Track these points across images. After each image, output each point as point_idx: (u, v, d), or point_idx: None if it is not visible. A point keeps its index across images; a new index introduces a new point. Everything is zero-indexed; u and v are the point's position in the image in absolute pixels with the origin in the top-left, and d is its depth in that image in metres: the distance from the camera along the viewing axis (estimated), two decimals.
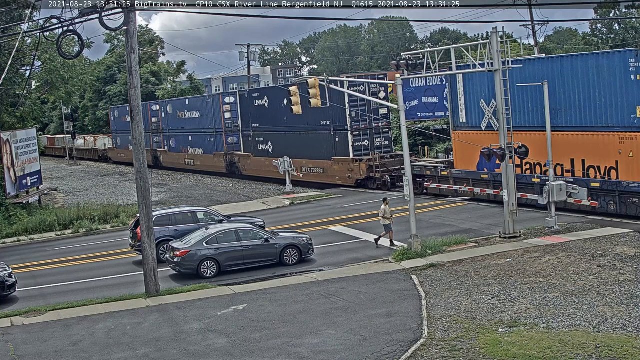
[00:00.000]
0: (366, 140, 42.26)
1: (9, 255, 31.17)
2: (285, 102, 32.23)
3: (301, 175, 45.27)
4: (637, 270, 19.98)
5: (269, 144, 49.53)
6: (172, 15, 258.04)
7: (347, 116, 41.69)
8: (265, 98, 49.40)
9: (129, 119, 75.20)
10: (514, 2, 50.70)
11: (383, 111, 42.73)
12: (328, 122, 43.31)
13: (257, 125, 50.81)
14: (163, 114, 66.18)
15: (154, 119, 67.98)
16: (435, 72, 27.73)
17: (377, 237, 26.78)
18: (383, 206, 26.43)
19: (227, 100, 55.82)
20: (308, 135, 43.20)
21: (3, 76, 28.41)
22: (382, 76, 48.13)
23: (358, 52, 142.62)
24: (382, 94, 42.35)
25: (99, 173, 69.22)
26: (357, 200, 38.48)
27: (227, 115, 55.17)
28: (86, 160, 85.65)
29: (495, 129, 28.58)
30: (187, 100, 63.84)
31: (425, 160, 40.49)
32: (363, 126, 41.66)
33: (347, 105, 40.78)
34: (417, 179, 36.00)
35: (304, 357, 15.59)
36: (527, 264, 21.83)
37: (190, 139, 61.44)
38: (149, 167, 67.49)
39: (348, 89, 36.16)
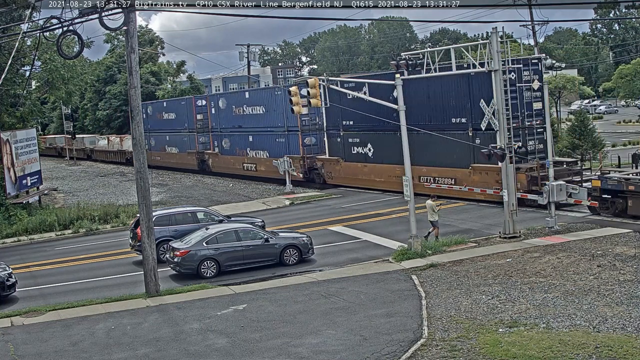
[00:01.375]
0: (518, 142, 30.41)
1: (9, 255, 31.16)
2: (395, 93, 25.97)
3: (429, 186, 33.93)
4: (637, 270, 19.98)
5: (368, 146, 40.62)
6: (171, 15, 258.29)
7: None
8: (365, 89, 35.49)
9: (166, 115, 63.57)
10: (514, 2, 50.67)
11: (537, 106, 32.51)
12: (464, 120, 33.99)
13: (350, 122, 41.49)
14: (213, 109, 57.19)
15: (199, 116, 59.29)
16: (435, 72, 27.73)
17: (427, 233, 26.41)
18: (430, 201, 26.41)
19: (304, 93, 47.78)
20: (430, 136, 32.51)
21: (3, 76, 28.41)
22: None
23: (358, 52, 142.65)
24: (536, 84, 32.24)
25: (99, 173, 69.18)
26: (357, 200, 38.48)
27: (305, 110, 48.17)
28: (109, 164, 78.37)
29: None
30: (247, 94, 54.68)
31: (619, 171, 30.30)
32: (514, 125, 28.63)
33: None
34: (614, 196, 27.81)
35: (304, 357, 15.59)
36: (527, 264, 21.83)
37: (250, 139, 52.07)
38: (194, 172, 58.32)
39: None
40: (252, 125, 51.63)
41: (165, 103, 69.40)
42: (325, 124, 44.42)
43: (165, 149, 66.62)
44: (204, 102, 59.48)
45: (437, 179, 35.44)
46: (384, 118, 30.50)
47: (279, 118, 48.03)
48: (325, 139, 44.62)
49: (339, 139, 42.46)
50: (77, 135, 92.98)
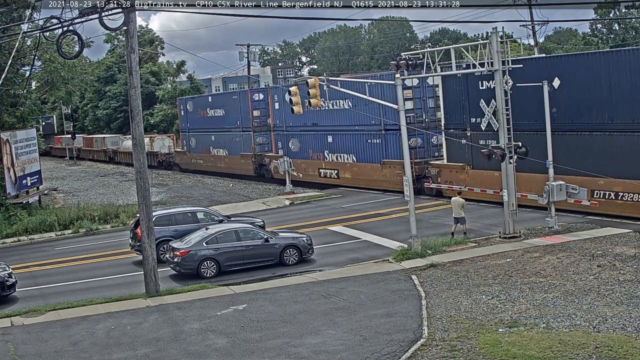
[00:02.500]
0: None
1: (9, 255, 31.16)
2: (558, 82, 22.34)
3: (594, 202, 27.17)
4: (637, 270, 19.98)
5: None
6: (170, 15, 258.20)
7: None
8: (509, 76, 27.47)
9: (212, 112, 57.02)
10: (514, 2, 50.71)
11: None
12: None
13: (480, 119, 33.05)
14: (276, 104, 48.62)
15: (255, 113, 51.45)
16: (435, 72, 27.73)
17: (452, 231, 26.68)
18: (458, 198, 26.59)
19: (407, 83, 34.65)
20: (612, 137, 26.48)
21: (3, 76, 28.40)
22: None
23: (358, 52, 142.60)
24: None
25: (98, 173, 69.19)
26: (357, 200, 38.49)
27: (409, 104, 36.20)
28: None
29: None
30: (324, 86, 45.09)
31: None
32: None
33: None
34: None
35: (304, 357, 15.59)
36: (527, 264, 21.83)
37: (329, 139, 43.99)
38: (250, 178, 53.15)
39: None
40: (331, 123, 43.82)
41: (210, 98, 61.54)
42: (443, 121, 35.89)
43: (210, 151, 58.36)
44: (261, 96, 51.27)
45: (620, 194, 26.93)
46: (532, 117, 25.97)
47: (374, 114, 38.30)
48: (443, 139, 35.89)
49: (463, 141, 31.56)
50: (95, 135, 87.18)
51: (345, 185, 42.66)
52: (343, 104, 42.33)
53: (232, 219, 29.41)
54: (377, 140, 40.08)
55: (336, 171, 43.84)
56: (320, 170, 45.11)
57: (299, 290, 21.24)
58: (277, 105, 48.60)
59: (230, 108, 54.98)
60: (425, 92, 38.25)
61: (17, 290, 23.57)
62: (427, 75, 28.75)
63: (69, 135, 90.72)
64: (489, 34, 25.97)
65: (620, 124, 26.82)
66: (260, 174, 51.56)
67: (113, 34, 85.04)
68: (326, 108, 41.92)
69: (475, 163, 33.42)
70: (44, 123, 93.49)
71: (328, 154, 44.55)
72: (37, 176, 44.38)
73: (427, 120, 37.93)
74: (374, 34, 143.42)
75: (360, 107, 38.99)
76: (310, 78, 28.19)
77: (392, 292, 20.15)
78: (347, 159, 43.00)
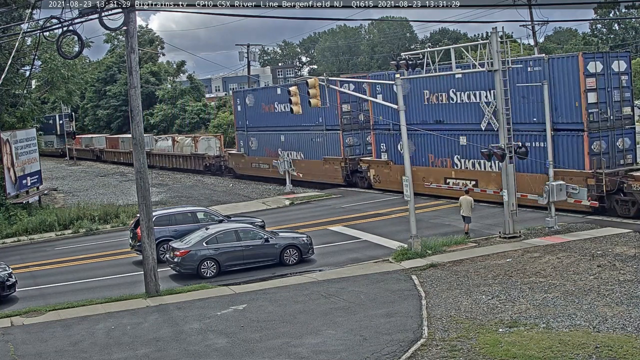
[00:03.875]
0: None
1: (9, 255, 31.16)
2: None
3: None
4: (637, 270, 19.98)
5: None
6: (170, 15, 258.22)
7: None
8: None
9: (280, 107, 46.89)
10: (514, 2, 50.73)
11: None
12: None
13: None
14: (379, 96, 37.79)
15: (345, 107, 42.42)
16: (435, 72, 27.73)
17: (465, 230, 26.91)
18: (467, 197, 26.79)
19: (589, 70, 28.63)
20: None
21: (3, 76, 28.40)
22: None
23: (358, 52, 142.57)
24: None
25: (98, 173, 69.17)
26: (356, 200, 38.48)
27: (592, 97, 28.57)
28: (180, 172, 62.18)
29: None
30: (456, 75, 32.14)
31: None
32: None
33: None
34: None
35: (304, 357, 15.59)
36: (527, 264, 21.83)
37: (463, 141, 34.39)
38: (338, 186, 43.04)
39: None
40: (463, 121, 34.32)
41: (279, 90, 48.47)
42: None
43: (279, 154, 48.16)
44: (353, 87, 40.74)
45: None
46: None
47: (536, 109, 29.79)
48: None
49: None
50: (121, 135, 78.87)
51: (489, 201, 32.33)
52: (477, 96, 33.21)
53: (232, 218, 29.40)
54: (542, 143, 29.50)
55: (475, 181, 33.69)
56: (448, 179, 35.20)
57: (299, 290, 21.24)
58: (380, 97, 36.85)
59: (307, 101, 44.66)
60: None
61: (17, 290, 23.57)
62: (427, 74, 28.71)
63: (90, 135, 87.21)
64: (489, 34, 25.97)
65: None
66: (352, 183, 42.71)
67: (113, 34, 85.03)
68: (459, 101, 34.11)
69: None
70: (61, 122, 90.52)
71: (460, 160, 34.88)
72: (37, 176, 44.37)
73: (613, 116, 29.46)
74: (374, 34, 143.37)
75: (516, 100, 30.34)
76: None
77: (392, 292, 20.15)
78: (489, 166, 32.77)
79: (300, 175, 45.84)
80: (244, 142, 54.19)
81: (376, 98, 36.05)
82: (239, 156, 54.98)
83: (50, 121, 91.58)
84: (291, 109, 29.93)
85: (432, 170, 36.25)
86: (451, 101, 34.79)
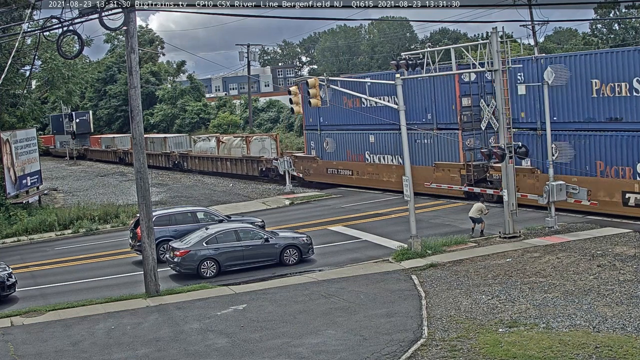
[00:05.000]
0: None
1: (9, 255, 31.16)
2: None
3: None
4: (637, 270, 19.98)
5: None
6: (169, 15, 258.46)
7: None
8: None
9: (370, 102, 37.73)
10: (514, 2, 50.74)
11: None
12: None
13: None
14: (521, 88, 30.07)
15: (465, 101, 34.33)
16: (435, 72, 27.73)
17: (479, 231, 26.95)
18: (480, 204, 26.98)
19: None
20: None
21: (3, 76, 28.41)
22: None
23: (358, 52, 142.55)
24: None
25: (98, 173, 69.15)
26: (356, 200, 38.48)
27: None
28: (223, 177, 54.73)
29: None
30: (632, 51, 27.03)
31: None
32: None
33: None
34: None
35: (304, 357, 15.59)
36: (527, 264, 21.83)
37: None
38: (457, 199, 33.90)
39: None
40: None
41: (369, 80, 36.45)
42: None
43: (366, 157, 40.88)
44: (474, 76, 33.50)
45: None
46: None
47: None
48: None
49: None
50: (153, 135, 71.68)
51: None
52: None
53: (232, 218, 29.40)
54: None
55: None
56: (629, 195, 26.99)
57: (299, 290, 21.24)
58: (522, 89, 29.91)
59: (413, 94, 36.22)
60: None
61: (17, 290, 23.57)
62: (427, 74, 28.71)
63: (112, 135, 80.00)
64: (489, 34, 25.98)
65: None
66: (474, 195, 33.17)
67: (113, 34, 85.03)
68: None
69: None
70: (77, 120, 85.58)
71: None
72: (37, 176, 44.39)
73: None
74: (374, 34, 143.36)
75: None
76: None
77: (392, 292, 20.15)
78: None
79: (348, 173, 40.86)
80: (315, 144, 45.44)
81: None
82: (310, 160, 46.06)
83: (66, 120, 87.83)
84: (291, 109, 29.73)
85: (603, 183, 27.86)
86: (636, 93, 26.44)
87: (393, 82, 26.29)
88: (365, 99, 37.62)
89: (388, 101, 31.33)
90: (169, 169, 63.99)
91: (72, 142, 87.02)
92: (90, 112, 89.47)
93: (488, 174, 33.20)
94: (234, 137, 57.03)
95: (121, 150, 74.91)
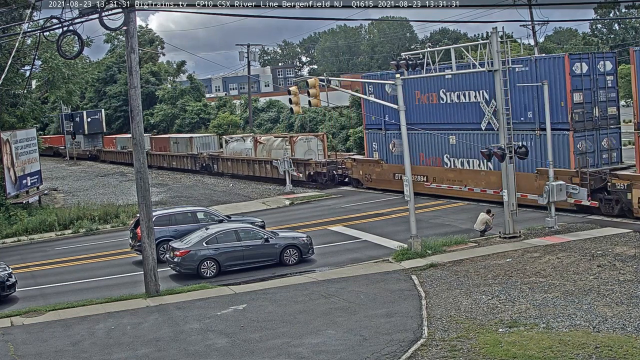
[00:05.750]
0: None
1: (9, 255, 31.16)
2: None
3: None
4: (637, 270, 19.98)
5: None
6: (169, 16, 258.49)
7: None
8: None
9: (450, 97, 33.78)
10: (514, 2, 50.73)
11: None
12: None
13: None
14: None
15: (577, 96, 29.79)
16: (435, 72, 27.72)
17: (484, 231, 26.90)
18: (486, 215, 26.80)
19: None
20: None
21: (3, 76, 28.41)
22: None
23: (358, 52, 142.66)
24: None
25: (98, 173, 69.14)
26: (356, 200, 38.48)
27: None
28: (268, 183, 48.67)
29: None
30: None
31: None
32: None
33: None
34: None
35: (304, 357, 15.59)
36: (527, 264, 21.83)
37: None
38: (567, 211, 27.83)
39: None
40: None
41: (451, 74, 30.63)
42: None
43: (444, 162, 36.07)
44: (585, 68, 29.73)
45: None
46: None
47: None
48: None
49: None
50: (175, 135, 67.19)
51: None
52: None
53: (232, 218, 29.40)
54: None
55: None
56: None
57: (299, 290, 21.24)
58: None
59: (511, 90, 28.63)
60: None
61: (17, 290, 23.57)
62: (427, 74, 28.68)
63: (128, 135, 69.34)
64: (489, 34, 25.98)
65: None
66: (586, 208, 28.79)
67: (113, 34, 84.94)
68: None
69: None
70: (89, 119, 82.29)
71: None
72: (37, 176, 44.39)
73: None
74: (374, 34, 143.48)
75: None
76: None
77: (392, 292, 20.15)
78: None
79: (484, 184, 33.40)
80: (379, 145, 40.22)
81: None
82: (372, 164, 40.65)
83: (77, 119, 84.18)
84: (291, 109, 29.52)
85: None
86: None
87: (483, 70, 25.07)
88: (445, 94, 34.76)
89: (475, 97, 28.26)
90: (196, 171, 59.32)
91: (83, 142, 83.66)
92: (103, 110, 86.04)
93: (609, 184, 28.05)
94: (275, 137, 51.47)
95: (149, 152, 65.15)
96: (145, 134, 72.09)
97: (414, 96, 36.73)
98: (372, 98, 30.39)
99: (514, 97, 29.90)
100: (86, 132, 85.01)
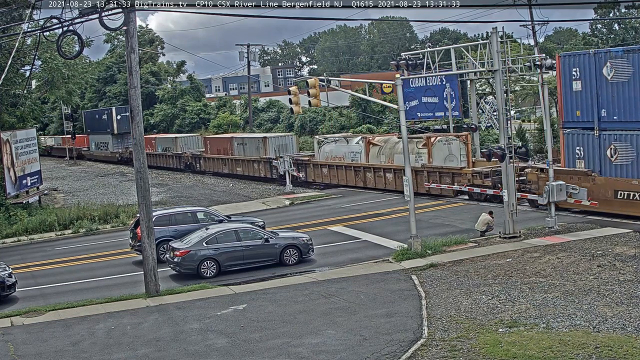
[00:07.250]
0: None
1: (9, 255, 31.16)
2: None
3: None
4: (637, 270, 19.98)
5: None
6: (168, 15, 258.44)
7: None
8: None
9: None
10: (514, 2, 50.70)
11: None
12: None
13: None
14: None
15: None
16: (435, 72, 27.73)
17: (485, 232, 26.80)
18: (487, 216, 26.63)
19: None
20: None
21: (3, 76, 28.41)
22: None
23: (358, 52, 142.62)
24: None
25: (98, 173, 69.13)
26: (356, 200, 38.47)
27: None
28: (397, 195, 37.05)
29: None
30: None
31: None
32: None
33: None
34: None
35: (304, 357, 15.59)
36: (527, 264, 21.82)
37: None
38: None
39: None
40: None
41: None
42: None
43: None
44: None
45: None
46: None
47: None
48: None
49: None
50: (233, 134, 58.83)
51: None
52: None
53: (232, 219, 29.40)
54: None
55: None
56: None
57: (299, 290, 21.24)
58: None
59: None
60: None
61: (17, 290, 23.57)
62: (427, 74, 28.71)
63: (173, 135, 65.11)
64: (489, 34, 25.99)
65: None
66: None
67: (113, 34, 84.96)
68: None
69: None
70: (118, 117, 75.60)
71: None
72: (37, 176, 44.39)
73: None
74: (374, 34, 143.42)
75: None
76: None
77: (392, 292, 20.15)
78: None
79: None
80: (587, 150, 30.04)
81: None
82: (577, 176, 28.65)
83: (104, 116, 77.72)
84: (291, 109, 29.55)
85: None
86: None
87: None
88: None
89: None
90: (271, 180, 48.20)
91: (111, 143, 75.66)
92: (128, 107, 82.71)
93: None
94: (398, 136, 37.95)
95: (189, 155, 58.88)
96: (191, 134, 61.81)
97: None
98: (576, 86, 24.50)
99: None
100: (115, 132, 75.96)
